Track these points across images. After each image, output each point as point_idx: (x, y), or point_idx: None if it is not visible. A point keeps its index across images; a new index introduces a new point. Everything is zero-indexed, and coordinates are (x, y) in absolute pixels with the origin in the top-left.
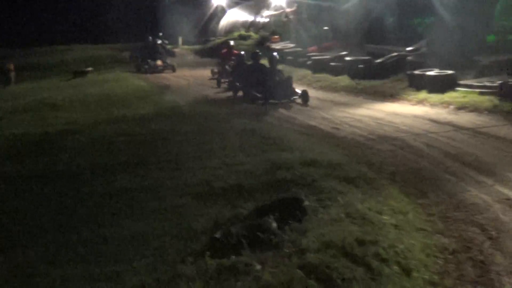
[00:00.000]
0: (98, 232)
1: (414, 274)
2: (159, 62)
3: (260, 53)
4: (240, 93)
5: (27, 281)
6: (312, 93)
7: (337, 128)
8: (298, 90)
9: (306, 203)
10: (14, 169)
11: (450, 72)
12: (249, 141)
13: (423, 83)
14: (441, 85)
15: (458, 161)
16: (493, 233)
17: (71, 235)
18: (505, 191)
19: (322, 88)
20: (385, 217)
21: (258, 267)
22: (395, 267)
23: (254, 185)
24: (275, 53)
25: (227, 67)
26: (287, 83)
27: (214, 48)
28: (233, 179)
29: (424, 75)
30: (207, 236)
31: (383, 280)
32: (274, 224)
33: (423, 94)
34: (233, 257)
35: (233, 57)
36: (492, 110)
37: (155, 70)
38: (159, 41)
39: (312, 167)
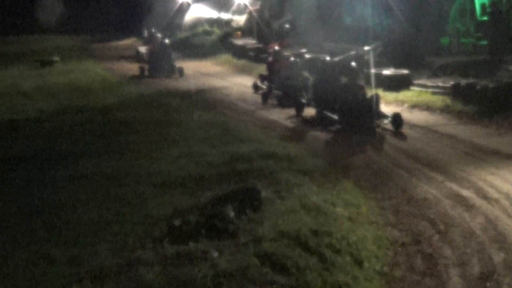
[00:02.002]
0: (60, 216)
1: (366, 264)
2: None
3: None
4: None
5: None
6: None
7: (296, 123)
8: (387, 113)
9: (263, 194)
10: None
11: (405, 71)
12: (211, 132)
13: (379, 82)
14: (397, 84)
15: (411, 158)
16: (442, 227)
17: (35, 218)
18: (455, 187)
19: None
20: (339, 209)
21: (215, 254)
22: (348, 258)
23: (213, 175)
24: (353, 63)
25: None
26: (373, 102)
27: (179, 42)
28: (193, 169)
29: (379, 74)
30: (166, 223)
31: (335, 269)
32: (232, 213)
33: (379, 92)
34: (191, 244)
35: (284, 67)
36: (444, 110)
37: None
38: (166, 40)
39: (270, 159)
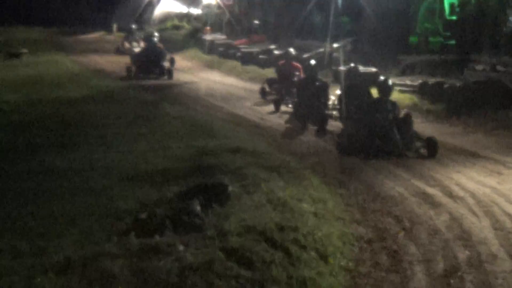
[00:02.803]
0: (26, 209)
1: (331, 260)
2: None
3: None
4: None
5: None
6: (240, 84)
7: (263, 119)
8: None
9: (230, 188)
10: None
11: (373, 69)
12: (178, 127)
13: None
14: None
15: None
16: (407, 224)
17: (3, 211)
18: (421, 185)
19: (251, 79)
20: (305, 205)
21: (181, 248)
22: (313, 253)
23: (180, 169)
24: (383, 77)
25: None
26: (406, 123)
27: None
28: (160, 163)
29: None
30: (133, 217)
31: (301, 265)
32: (198, 208)
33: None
34: (157, 237)
35: (296, 72)
36: (412, 108)
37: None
38: (155, 37)
39: (237, 154)
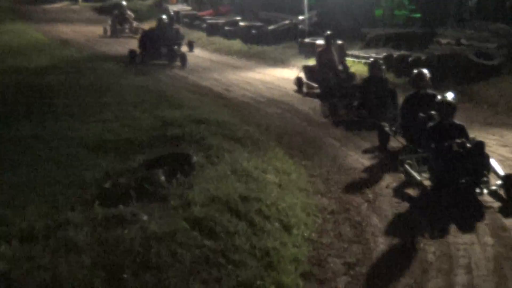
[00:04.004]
0: None
1: (294, 231)
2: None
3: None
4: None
5: None
6: (206, 55)
7: (228, 90)
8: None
9: (195, 159)
10: None
11: (339, 42)
12: (144, 98)
13: (313, 51)
14: None
15: (341, 127)
16: (370, 196)
17: None
18: (383, 155)
19: (216, 50)
20: (269, 176)
21: (145, 217)
22: (277, 224)
23: (145, 139)
24: (449, 95)
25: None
26: (478, 152)
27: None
28: (125, 133)
29: (313, 44)
30: (97, 186)
31: (264, 235)
32: (162, 177)
33: (311, 62)
34: (121, 206)
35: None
36: None
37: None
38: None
39: (202, 125)
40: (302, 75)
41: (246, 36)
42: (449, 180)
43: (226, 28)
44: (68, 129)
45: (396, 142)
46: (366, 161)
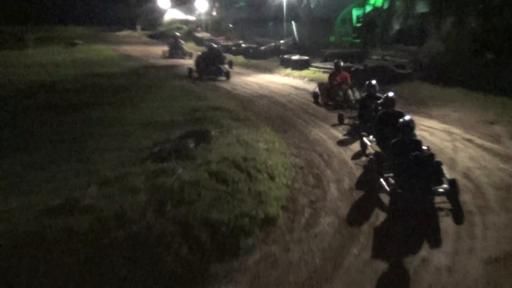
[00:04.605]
0: (80, 145)
1: (277, 179)
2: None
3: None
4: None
5: (40, 173)
6: None
7: (234, 88)
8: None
9: (212, 133)
10: (29, 103)
11: (306, 57)
12: (180, 93)
13: (289, 64)
14: (300, 65)
15: (307, 113)
16: (326, 157)
17: (60, 146)
18: (335, 132)
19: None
20: (261, 144)
21: (180, 170)
22: (265, 175)
23: (180, 120)
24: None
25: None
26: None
27: (160, 35)
28: (167, 116)
29: (290, 58)
30: (149, 150)
31: (258, 182)
32: (191, 145)
33: (288, 70)
34: (165, 163)
35: (346, 81)
36: None
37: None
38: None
39: (217, 111)
40: (317, 90)
41: (245, 53)
42: (409, 187)
43: (233, 48)
44: (128, 114)
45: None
46: (323, 135)
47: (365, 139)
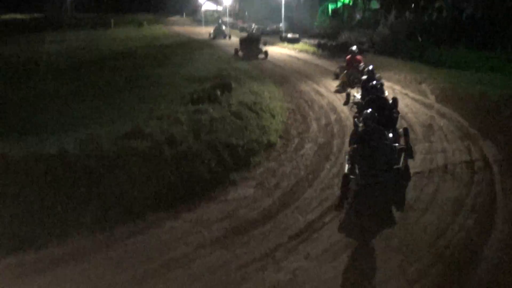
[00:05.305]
0: (143, 92)
1: (276, 117)
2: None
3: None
4: None
5: (115, 111)
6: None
7: (251, 62)
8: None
9: (233, 85)
10: (111, 64)
11: (297, 35)
12: (212, 58)
13: (286, 40)
14: (293, 41)
15: (297, 73)
16: (310, 103)
17: (134, 92)
18: (316, 86)
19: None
20: (266, 93)
21: (211, 110)
22: (269, 114)
23: (211, 76)
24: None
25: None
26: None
27: (200, 20)
28: (202, 73)
29: (286, 36)
30: (190, 96)
31: (263, 119)
32: (218, 92)
33: (285, 44)
34: (200, 105)
35: (360, 64)
36: (314, 53)
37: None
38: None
39: (237, 71)
40: (338, 70)
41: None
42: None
43: (247, 28)
44: (176, 71)
45: None
46: (308, 87)
47: (351, 91)
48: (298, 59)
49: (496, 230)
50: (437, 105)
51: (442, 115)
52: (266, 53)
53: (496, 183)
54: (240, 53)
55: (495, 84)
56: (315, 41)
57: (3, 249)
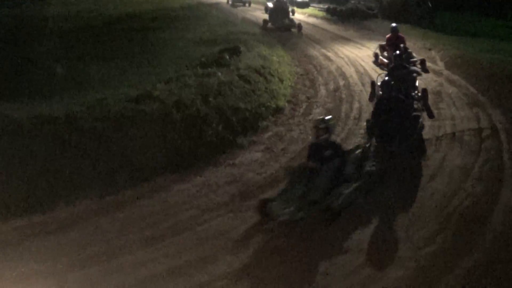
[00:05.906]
0: (151, 55)
1: (285, 82)
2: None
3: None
4: None
5: (124, 74)
6: (260, 14)
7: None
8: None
9: (241, 49)
10: (118, 27)
11: (307, 0)
12: (223, 22)
13: (295, 4)
14: (302, 5)
15: (306, 37)
16: (318, 68)
17: (142, 56)
18: (325, 51)
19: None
20: (274, 58)
21: (219, 73)
22: (277, 79)
23: (219, 40)
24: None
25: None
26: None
27: None
28: (211, 37)
29: (296, 0)
30: (198, 60)
31: (271, 83)
32: (227, 56)
33: (299, 10)
34: (209, 69)
35: (401, 44)
36: (323, 18)
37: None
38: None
39: (246, 35)
40: (378, 51)
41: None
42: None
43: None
44: (185, 35)
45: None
46: (317, 52)
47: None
48: (307, 23)
49: (504, 198)
50: (446, 72)
51: (451, 82)
52: (300, 26)
53: (504, 151)
54: (269, 24)
55: (506, 51)
56: (325, 6)
57: (11, 211)
